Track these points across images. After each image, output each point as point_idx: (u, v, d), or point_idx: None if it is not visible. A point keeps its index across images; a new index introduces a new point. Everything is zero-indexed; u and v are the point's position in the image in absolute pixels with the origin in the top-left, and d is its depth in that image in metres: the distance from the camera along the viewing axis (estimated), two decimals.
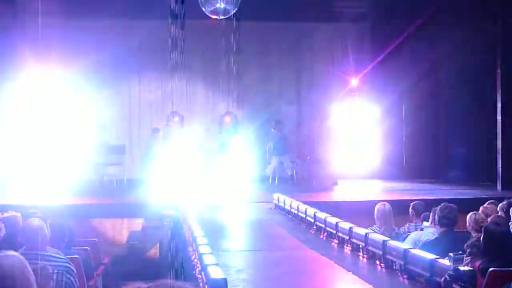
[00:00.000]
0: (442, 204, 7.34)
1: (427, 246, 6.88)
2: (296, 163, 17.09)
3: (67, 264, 5.54)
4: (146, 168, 16.48)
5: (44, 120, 17.18)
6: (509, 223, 7.11)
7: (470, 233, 7.16)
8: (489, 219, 6.85)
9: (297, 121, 18.95)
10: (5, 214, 6.99)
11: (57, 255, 5.60)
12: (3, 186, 15.07)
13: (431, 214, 7.74)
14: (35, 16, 17.74)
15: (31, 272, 3.11)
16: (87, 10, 16.94)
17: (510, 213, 7.38)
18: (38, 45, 18.02)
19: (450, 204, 7.35)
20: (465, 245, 5.94)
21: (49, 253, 5.52)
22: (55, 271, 5.36)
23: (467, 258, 5.71)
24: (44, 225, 5.75)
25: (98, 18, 17.58)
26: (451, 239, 6.86)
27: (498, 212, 7.90)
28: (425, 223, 8.31)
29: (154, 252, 11.94)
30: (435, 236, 7.25)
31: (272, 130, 17.03)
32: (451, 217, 7.14)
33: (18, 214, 7.16)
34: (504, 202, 8.05)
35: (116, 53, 18.35)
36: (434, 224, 7.42)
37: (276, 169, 16.91)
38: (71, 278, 5.50)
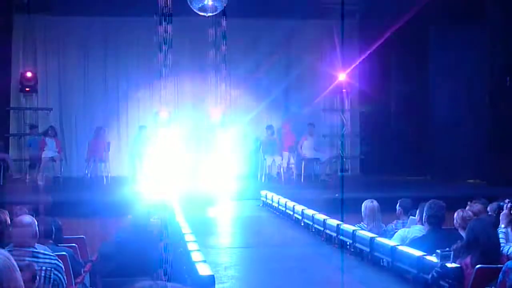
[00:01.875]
0: (430, 201, 7.35)
1: (415, 242, 6.89)
2: (285, 159, 17.10)
3: (55, 261, 5.53)
4: (133, 165, 16.46)
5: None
6: (499, 226, 7.12)
7: (457, 230, 7.18)
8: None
9: (286, 117, 18.95)
10: None
11: (46, 252, 5.59)
12: None
13: (418, 211, 7.75)
14: (21, 13, 17.73)
15: (18, 269, 3.09)
16: (74, 7, 16.88)
17: (500, 217, 7.38)
18: (25, 42, 18.01)
19: (438, 201, 7.34)
20: (453, 247, 5.95)
21: (37, 250, 5.51)
22: (43, 268, 5.34)
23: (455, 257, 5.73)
24: (35, 222, 5.75)
25: (84, 16, 17.54)
26: (438, 236, 6.87)
27: (487, 212, 7.90)
28: (412, 217, 8.32)
29: (142, 249, 11.90)
30: (423, 233, 7.26)
31: (265, 134, 17.15)
32: (439, 214, 7.14)
33: (6, 211, 7.14)
34: (494, 204, 8.06)
35: (104, 50, 18.33)
36: (422, 221, 7.42)
37: (266, 167, 16.96)
38: (59, 275, 5.48)
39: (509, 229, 7.18)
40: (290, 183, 16.18)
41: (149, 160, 15.15)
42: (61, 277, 5.48)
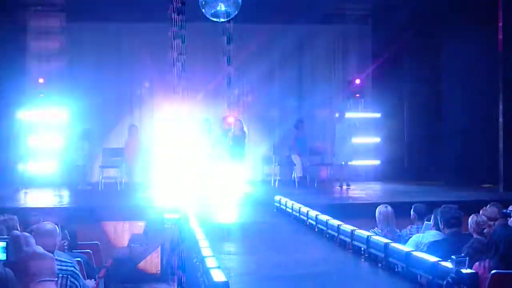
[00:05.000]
0: (444, 205, 7.31)
1: (433, 246, 6.84)
2: (299, 164, 17.10)
3: (72, 269, 5.54)
4: (146, 171, 16.53)
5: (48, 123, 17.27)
6: None
7: (472, 235, 7.14)
8: (496, 222, 6.84)
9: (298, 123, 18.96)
10: (1, 218, 6.99)
11: (63, 259, 5.60)
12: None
13: (432, 216, 7.72)
14: (36, 18, 17.84)
15: None
16: (88, 13, 16.94)
17: (509, 223, 7.34)
18: (40, 47, 18.09)
19: (453, 205, 7.31)
20: (465, 246, 5.93)
21: (55, 257, 5.51)
22: (60, 275, 5.35)
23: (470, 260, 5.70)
24: (56, 229, 5.77)
25: (98, 21, 17.59)
26: (458, 240, 6.82)
27: (503, 218, 7.85)
28: (427, 222, 8.29)
29: (155, 255, 11.94)
30: (437, 238, 7.21)
31: (294, 129, 17.25)
32: (458, 217, 7.12)
33: (15, 217, 7.16)
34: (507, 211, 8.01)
35: (117, 56, 18.37)
36: (436, 227, 7.39)
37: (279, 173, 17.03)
38: (76, 282, 5.50)
39: None
40: (304, 188, 16.17)
41: (161, 166, 15.18)
42: (78, 284, 5.50)
